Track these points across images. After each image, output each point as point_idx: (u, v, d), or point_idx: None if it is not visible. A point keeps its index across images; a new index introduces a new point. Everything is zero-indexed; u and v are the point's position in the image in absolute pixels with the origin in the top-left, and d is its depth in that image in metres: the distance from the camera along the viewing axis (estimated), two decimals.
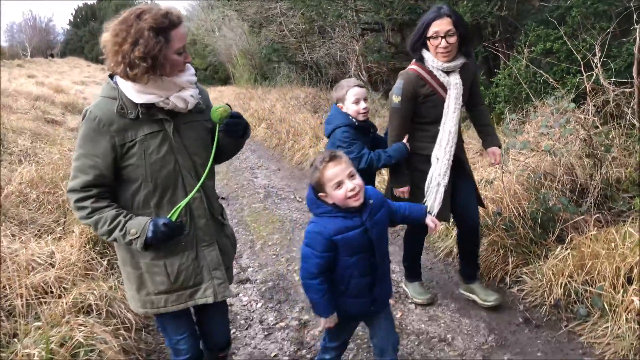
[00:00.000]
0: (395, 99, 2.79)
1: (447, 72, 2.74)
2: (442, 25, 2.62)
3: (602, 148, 3.92)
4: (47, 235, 3.73)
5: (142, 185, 1.82)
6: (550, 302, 2.92)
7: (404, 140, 2.86)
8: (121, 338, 2.82)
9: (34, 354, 2.35)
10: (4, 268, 3.08)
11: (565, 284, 2.87)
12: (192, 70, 1.87)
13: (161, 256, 1.89)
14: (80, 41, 49.29)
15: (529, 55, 5.64)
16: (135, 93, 1.75)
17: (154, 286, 1.93)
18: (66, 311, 2.84)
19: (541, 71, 4.98)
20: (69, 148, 6.90)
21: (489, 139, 3.05)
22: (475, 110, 3.07)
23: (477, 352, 2.73)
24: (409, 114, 2.82)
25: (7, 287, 2.91)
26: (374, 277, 2.07)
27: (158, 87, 1.76)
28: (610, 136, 4.17)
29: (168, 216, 1.83)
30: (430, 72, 2.75)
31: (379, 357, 2.25)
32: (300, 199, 5.82)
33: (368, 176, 2.89)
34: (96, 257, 3.52)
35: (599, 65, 4.13)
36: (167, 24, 1.68)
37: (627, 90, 4.21)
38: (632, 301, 2.52)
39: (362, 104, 2.84)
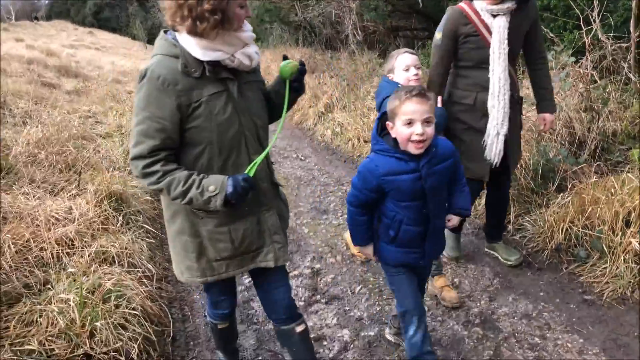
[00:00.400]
0: (437, 34, 2.72)
1: (494, 15, 2.61)
2: None
3: (600, 102, 4.04)
4: (63, 193, 3.82)
5: (207, 149, 1.74)
6: (552, 246, 3.10)
7: (439, 104, 2.76)
8: (143, 287, 2.96)
9: (69, 298, 2.48)
10: (27, 223, 3.19)
11: (566, 229, 3.04)
12: (250, 27, 1.78)
13: (225, 222, 1.83)
14: (66, 3, 47.89)
15: None
16: (200, 50, 1.64)
17: (216, 253, 1.88)
18: (91, 262, 2.97)
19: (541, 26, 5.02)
20: (67, 110, 6.89)
21: (543, 104, 2.91)
22: (535, 69, 2.89)
23: (483, 293, 2.91)
24: (448, 53, 2.74)
25: (32, 240, 3.02)
26: (425, 229, 1.97)
27: (225, 43, 1.67)
28: (607, 90, 4.28)
29: (246, 172, 1.77)
30: (476, 12, 2.64)
31: None
32: (302, 158, 5.92)
33: None
34: (112, 213, 3.62)
35: (597, 20, 4.19)
36: None
37: (624, 45, 4.30)
38: (630, 243, 2.70)
39: (413, 71, 2.64)
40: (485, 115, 2.73)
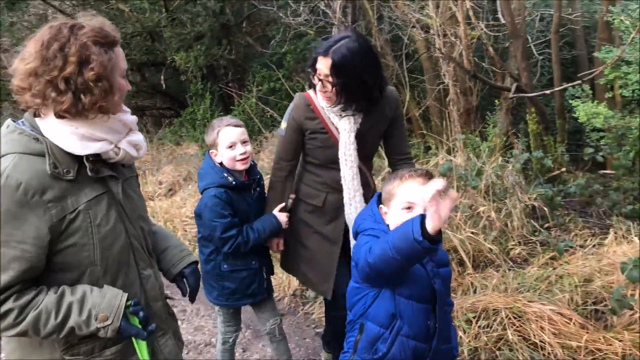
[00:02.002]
0: (283, 124, 2.29)
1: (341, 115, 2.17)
2: (322, 65, 2.05)
3: None
4: None
5: (87, 273, 1.29)
6: (290, 293, 3.64)
7: (276, 210, 2.31)
8: None
9: None
10: None
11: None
12: (128, 108, 1.42)
13: None
14: None
15: (258, 93, 6.61)
16: (78, 141, 1.23)
17: None
18: None
19: (268, 108, 5.90)
20: None
21: None
22: (398, 167, 2.33)
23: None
24: (293, 146, 2.28)
25: None
26: (426, 349, 1.54)
27: (108, 129, 1.29)
28: None
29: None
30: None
31: None
32: None
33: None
34: None
35: None
36: (111, 38, 1.26)
37: None
38: None
39: (240, 149, 2.22)
40: (333, 219, 2.30)
